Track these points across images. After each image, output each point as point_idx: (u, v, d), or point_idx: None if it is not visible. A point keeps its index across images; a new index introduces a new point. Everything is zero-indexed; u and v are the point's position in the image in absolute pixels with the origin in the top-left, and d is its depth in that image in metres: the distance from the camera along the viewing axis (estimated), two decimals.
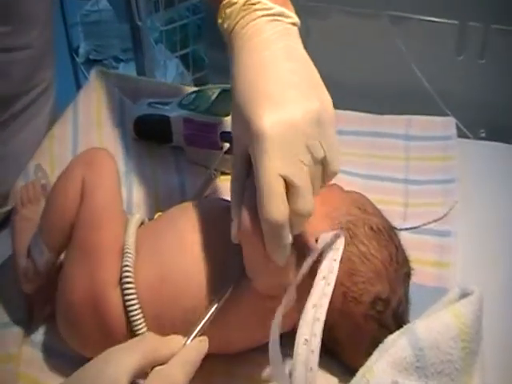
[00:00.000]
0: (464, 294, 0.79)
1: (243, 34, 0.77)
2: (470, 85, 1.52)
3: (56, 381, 0.87)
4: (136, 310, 0.82)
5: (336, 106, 1.29)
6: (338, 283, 0.82)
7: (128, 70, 2.25)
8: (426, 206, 1.12)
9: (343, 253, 0.84)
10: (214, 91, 1.22)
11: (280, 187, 0.69)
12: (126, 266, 0.83)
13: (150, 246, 0.86)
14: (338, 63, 1.65)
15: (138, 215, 0.91)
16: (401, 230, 1.04)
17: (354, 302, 0.84)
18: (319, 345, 0.76)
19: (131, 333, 0.82)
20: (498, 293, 0.98)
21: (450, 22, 1.45)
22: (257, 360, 0.88)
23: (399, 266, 0.87)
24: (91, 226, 0.84)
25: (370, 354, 0.79)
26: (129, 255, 0.84)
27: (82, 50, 2.40)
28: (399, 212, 1.12)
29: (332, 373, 0.88)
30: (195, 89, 1.29)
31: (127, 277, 0.82)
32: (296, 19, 0.79)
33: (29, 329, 0.94)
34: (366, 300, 0.84)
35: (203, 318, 0.79)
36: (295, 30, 0.78)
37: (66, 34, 2.23)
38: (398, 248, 0.89)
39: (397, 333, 0.78)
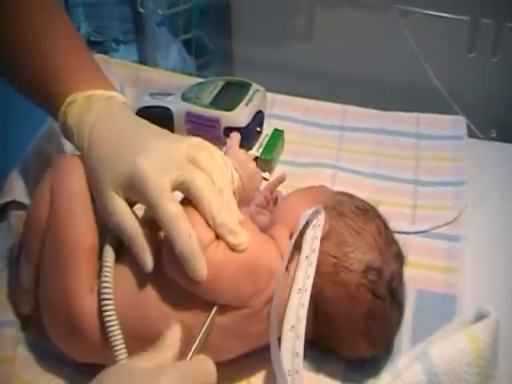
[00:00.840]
0: (480, 316, 0.77)
1: (89, 118, 0.86)
2: (481, 83, 1.49)
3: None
4: (112, 315, 0.78)
5: (340, 100, 1.30)
6: (327, 254, 0.83)
7: (129, 52, 2.22)
8: (435, 209, 1.09)
9: (331, 227, 0.85)
10: (217, 83, 1.20)
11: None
12: (105, 282, 0.79)
13: (131, 260, 0.82)
14: (343, 56, 1.65)
15: None
16: (409, 233, 1.04)
17: (345, 271, 0.83)
18: (304, 330, 0.78)
19: (107, 340, 0.79)
20: (509, 300, 0.95)
21: (461, 18, 1.42)
22: (256, 364, 0.87)
23: (388, 240, 0.87)
24: (55, 228, 0.83)
25: (365, 331, 0.82)
26: (107, 269, 0.80)
27: (82, 32, 2.35)
28: (407, 214, 1.09)
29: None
30: (198, 80, 1.27)
31: (106, 293, 0.79)
32: (119, 95, 0.91)
33: (24, 328, 0.92)
34: (357, 268, 0.83)
35: (198, 335, 0.78)
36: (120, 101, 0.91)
37: (68, 14, 2.19)
38: (386, 226, 0.89)
39: (410, 357, 0.77)
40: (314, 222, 0.85)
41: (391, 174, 1.16)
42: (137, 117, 0.88)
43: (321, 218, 0.85)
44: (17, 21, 0.91)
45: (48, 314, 0.84)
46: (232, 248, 0.79)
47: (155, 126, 0.86)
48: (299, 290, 0.80)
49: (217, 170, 0.81)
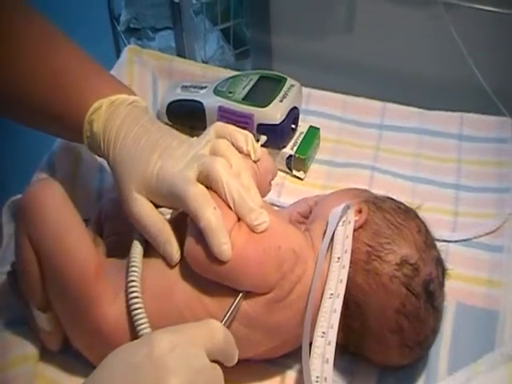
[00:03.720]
0: None
1: (115, 122, 0.87)
2: None
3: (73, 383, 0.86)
4: (144, 322, 0.78)
5: (381, 97, 1.25)
6: (362, 243, 0.83)
7: (166, 40, 2.22)
8: (477, 217, 1.05)
9: (368, 218, 0.85)
10: (251, 77, 1.16)
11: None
12: (132, 281, 0.80)
13: (157, 256, 0.83)
14: (384, 51, 1.61)
15: None
16: (449, 241, 1.00)
17: (378, 260, 0.81)
18: (336, 336, 0.77)
19: None
20: None
21: (509, 12, 1.36)
22: (269, 371, 0.88)
23: (428, 242, 0.84)
24: (52, 268, 0.80)
25: (396, 328, 0.80)
26: (135, 268, 0.81)
27: (123, 18, 2.36)
28: (448, 222, 1.05)
29: None
30: (233, 73, 1.23)
31: (134, 291, 0.79)
32: (141, 100, 0.92)
33: None
34: (391, 260, 0.81)
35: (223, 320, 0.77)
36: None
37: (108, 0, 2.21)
38: (427, 229, 0.86)
39: None
40: (344, 219, 0.84)
41: (431, 178, 1.12)
42: (161, 123, 0.90)
43: (350, 214, 0.84)
44: (20, 48, 0.91)
45: (77, 341, 0.84)
46: (252, 229, 0.78)
47: (177, 132, 0.88)
48: (331, 294, 0.80)
49: (235, 155, 0.82)
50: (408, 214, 0.86)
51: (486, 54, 1.42)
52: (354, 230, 0.83)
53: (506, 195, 1.06)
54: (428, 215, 0.88)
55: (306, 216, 0.94)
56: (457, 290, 0.93)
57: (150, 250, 0.83)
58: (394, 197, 0.91)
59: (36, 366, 0.86)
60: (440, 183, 1.11)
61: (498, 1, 1.37)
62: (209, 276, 0.78)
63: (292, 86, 1.13)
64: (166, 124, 1.17)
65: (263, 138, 1.07)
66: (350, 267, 0.80)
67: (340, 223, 0.84)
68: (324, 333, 0.78)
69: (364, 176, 1.11)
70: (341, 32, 1.71)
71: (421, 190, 1.09)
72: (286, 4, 1.78)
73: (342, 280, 0.80)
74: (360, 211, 0.85)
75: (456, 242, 1.01)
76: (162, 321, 0.78)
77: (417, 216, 0.87)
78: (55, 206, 0.82)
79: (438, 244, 0.86)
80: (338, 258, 0.81)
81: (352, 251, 0.82)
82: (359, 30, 1.68)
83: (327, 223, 0.84)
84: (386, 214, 0.85)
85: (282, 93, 1.11)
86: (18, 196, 0.97)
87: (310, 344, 0.78)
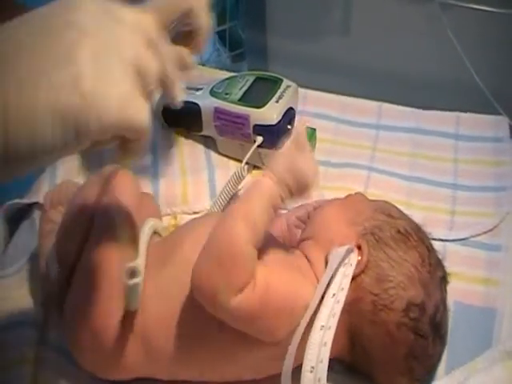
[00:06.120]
0: None
1: None
2: None
3: None
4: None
5: (377, 98, 1.25)
6: (367, 292, 0.79)
7: None
8: (474, 216, 1.05)
9: (369, 258, 0.80)
10: (247, 78, 1.16)
11: None
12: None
13: (159, 271, 0.82)
14: (381, 52, 1.61)
15: (148, 226, 0.86)
16: (446, 241, 0.99)
17: (385, 310, 0.78)
18: (326, 371, 0.73)
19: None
20: None
21: (505, 12, 1.36)
22: None
23: (433, 269, 0.81)
24: (97, 250, 0.80)
25: (406, 371, 0.78)
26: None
27: None
28: (445, 221, 1.04)
29: None
30: (230, 74, 1.23)
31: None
32: None
33: (46, 329, 0.91)
34: (398, 307, 0.78)
35: None
36: None
37: None
38: (430, 250, 0.83)
39: None
40: (346, 261, 0.80)
41: (428, 177, 1.12)
42: None
43: (353, 258, 0.80)
44: None
45: (72, 325, 0.82)
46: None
47: None
48: (322, 326, 0.75)
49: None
50: (409, 240, 0.82)
51: (482, 54, 1.42)
52: (357, 276, 0.79)
53: (503, 194, 1.07)
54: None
55: (303, 221, 0.93)
56: (454, 289, 0.90)
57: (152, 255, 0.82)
58: (390, 196, 0.90)
59: (33, 369, 0.86)
60: (437, 182, 1.11)
61: (493, 0, 1.37)
62: (211, 311, 0.75)
63: (288, 86, 1.13)
64: (162, 126, 1.19)
65: (259, 139, 1.07)
66: (355, 317, 0.79)
67: (341, 266, 0.80)
68: (313, 367, 0.73)
69: (361, 176, 1.11)
70: (336, 33, 1.71)
71: (417, 189, 1.09)
72: (281, 6, 1.78)
73: (335, 314, 0.75)
74: (359, 248, 0.81)
75: (453, 241, 1.00)
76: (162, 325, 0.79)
77: (418, 238, 0.83)
78: (131, 195, 0.85)
79: (435, 243, 0.85)
80: (334, 295, 0.77)
81: (356, 301, 0.79)
82: (355, 30, 1.67)
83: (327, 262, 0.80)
84: (387, 249, 0.81)
85: (278, 93, 1.11)
86: (15, 201, 0.97)
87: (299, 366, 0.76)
